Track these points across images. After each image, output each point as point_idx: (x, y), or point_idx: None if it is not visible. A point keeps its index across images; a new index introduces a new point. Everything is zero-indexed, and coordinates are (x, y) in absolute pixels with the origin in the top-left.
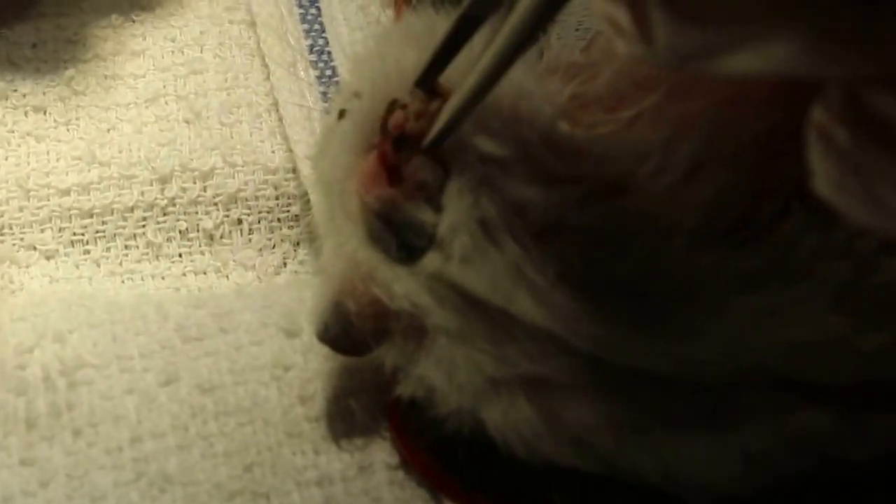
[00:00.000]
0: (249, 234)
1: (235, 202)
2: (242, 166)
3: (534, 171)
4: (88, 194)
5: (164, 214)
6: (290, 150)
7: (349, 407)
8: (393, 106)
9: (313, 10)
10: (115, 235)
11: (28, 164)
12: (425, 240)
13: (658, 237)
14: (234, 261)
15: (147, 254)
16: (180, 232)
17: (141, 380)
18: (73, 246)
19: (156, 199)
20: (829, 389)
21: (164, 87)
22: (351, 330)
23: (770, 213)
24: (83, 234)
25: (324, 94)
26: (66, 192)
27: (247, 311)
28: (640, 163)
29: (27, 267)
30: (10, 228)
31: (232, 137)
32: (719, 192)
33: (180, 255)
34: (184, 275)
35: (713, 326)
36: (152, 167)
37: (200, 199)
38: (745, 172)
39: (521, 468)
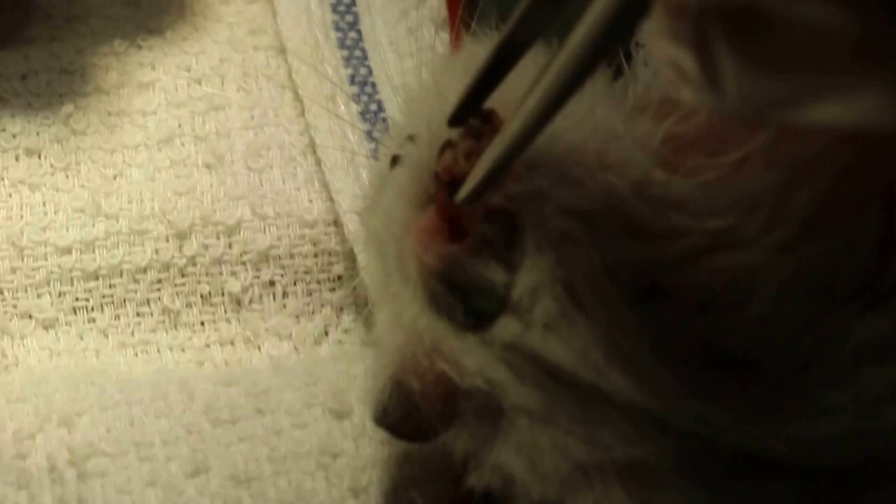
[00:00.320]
0: (284, 297)
1: (267, 261)
2: (274, 219)
3: (625, 226)
4: (93, 252)
5: (183, 276)
6: (331, 200)
7: (411, 500)
8: (445, 147)
9: (353, 34)
10: (125, 301)
11: (21, 217)
12: (496, 303)
13: (771, 301)
14: (266, 329)
15: (163, 322)
16: (202, 296)
17: (164, 470)
18: (75, 313)
19: (173, 257)
20: None
21: (180, 125)
22: (414, 412)
23: None
24: (87, 300)
25: (368, 133)
26: (67, 251)
27: (286, 389)
28: (749, 214)
29: (22, 338)
30: (2, 294)
31: (261, 185)
32: (842, 247)
33: (202, 324)
34: (207, 346)
35: (836, 402)
36: (168, 220)
37: (225, 257)
38: (872, 223)
39: None
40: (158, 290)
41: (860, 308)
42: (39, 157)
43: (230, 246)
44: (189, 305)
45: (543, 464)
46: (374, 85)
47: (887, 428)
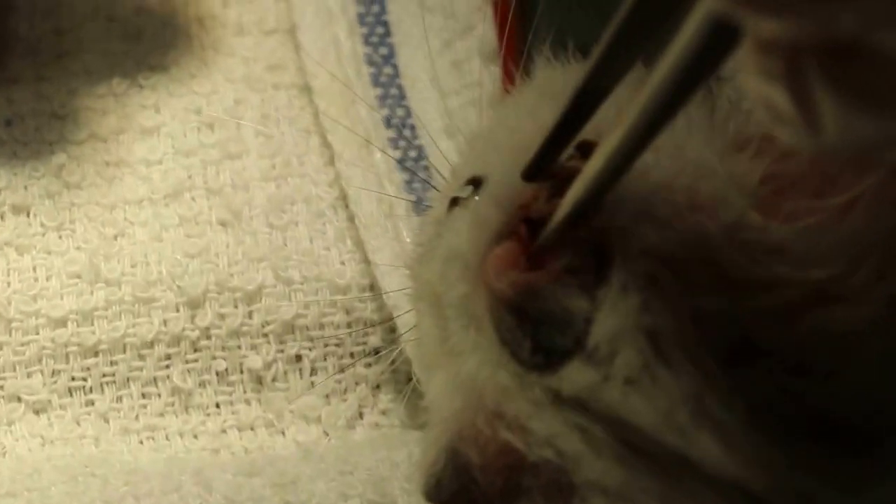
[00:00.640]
0: (312, 374)
1: (292, 332)
2: (301, 284)
3: (716, 274)
4: (91, 324)
5: (196, 350)
6: (366, 261)
7: None
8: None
9: (388, 70)
10: (128, 380)
11: (9, 284)
12: (570, 339)
13: (883, 361)
14: (291, 411)
15: (173, 404)
16: (218, 374)
17: None
18: (71, 395)
19: (183, 329)
20: None
21: (190, 176)
22: (471, 487)
23: None
24: (85, 379)
25: (408, 183)
26: (61, 323)
27: (318, 479)
28: (857, 264)
29: (10, 424)
30: None
31: (285, 245)
32: None
33: (218, 406)
34: (224, 431)
35: None
36: (178, 286)
37: (245, 328)
38: None
39: None
40: (167, 367)
41: None
42: (28, 214)
43: (250, 315)
44: (202, 385)
45: None
46: (413, 128)
47: None
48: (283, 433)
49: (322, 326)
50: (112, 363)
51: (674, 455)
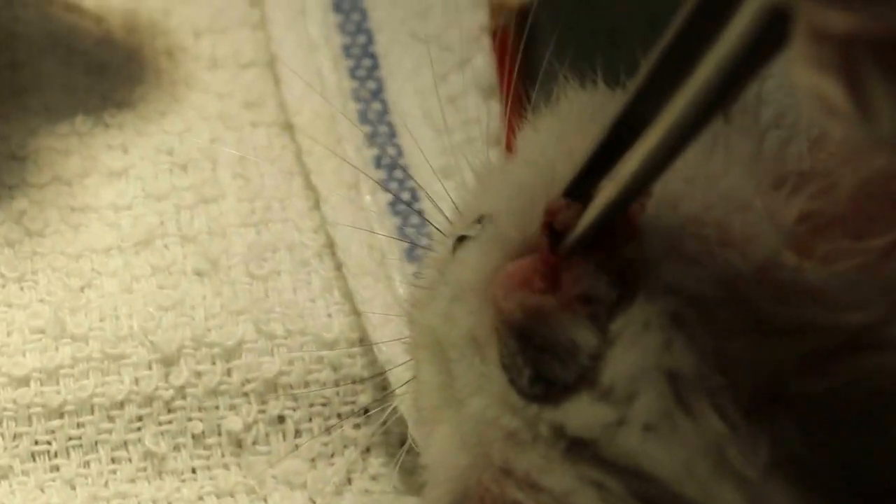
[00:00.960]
0: (296, 437)
1: (275, 391)
2: (284, 338)
3: (744, 316)
4: (56, 383)
5: (170, 411)
6: (356, 313)
7: None
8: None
9: (377, 105)
10: (96, 444)
11: None
12: (573, 373)
13: None
14: (274, 477)
15: (145, 469)
16: (194, 436)
17: None
18: (34, 460)
19: (157, 388)
20: None
21: (162, 223)
22: None
23: None
24: (49, 443)
25: (400, 228)
26: (24, 381)
27: None
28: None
29: None
30: None
31: (267, 296)
32: None
33: (194, 471)
34: (201, 498)
35: None
36: (150, 342)
37: (223, 387)
38: None
39: None
40: (139, 429)
41: None
42: None
43: (229, 373)
44: (177, 448)
45: None
46: (405, 169)
47: None
48: (265, 500)
49: (307, 384)
50: (79, 425)
51: None
